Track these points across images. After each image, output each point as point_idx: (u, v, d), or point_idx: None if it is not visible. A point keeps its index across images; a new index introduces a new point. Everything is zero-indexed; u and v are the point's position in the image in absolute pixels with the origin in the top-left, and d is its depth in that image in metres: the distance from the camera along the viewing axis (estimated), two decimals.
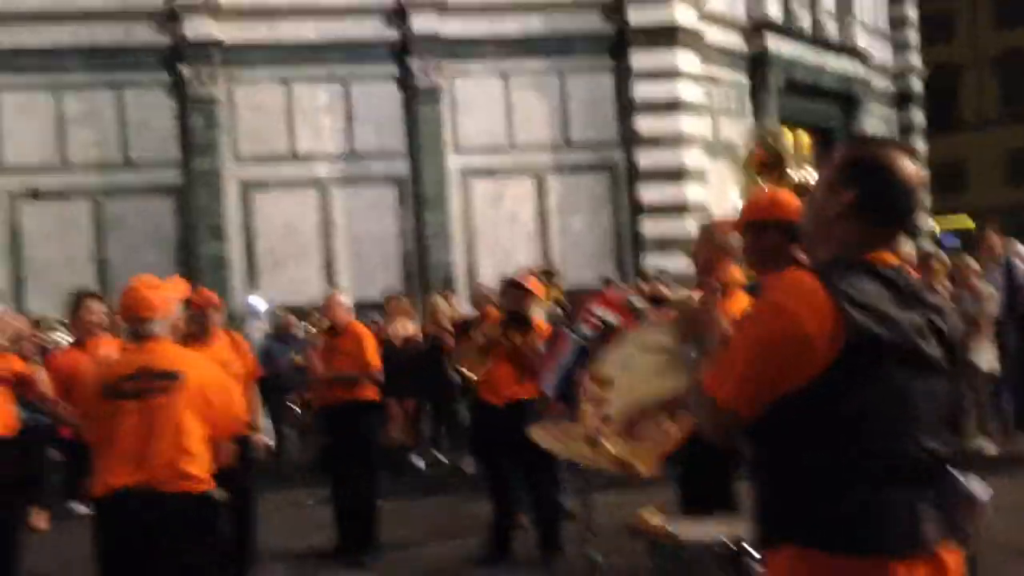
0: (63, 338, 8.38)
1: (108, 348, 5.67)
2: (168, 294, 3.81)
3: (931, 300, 2.01)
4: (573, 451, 3.65)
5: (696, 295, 4.37)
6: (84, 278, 13.33)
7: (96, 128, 13.72)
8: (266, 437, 10.26)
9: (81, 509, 7.79)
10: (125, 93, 13.78)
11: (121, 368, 3.70)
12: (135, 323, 3.74)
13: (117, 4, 13.57)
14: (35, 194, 13.53)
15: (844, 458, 1.87)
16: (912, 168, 2.02)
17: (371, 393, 6.71)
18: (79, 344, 5.83)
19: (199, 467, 3.54)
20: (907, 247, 9.44)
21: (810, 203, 2.11)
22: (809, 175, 4.83)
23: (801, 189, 4.86)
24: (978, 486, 2.30)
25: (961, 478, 2.23)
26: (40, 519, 7.53)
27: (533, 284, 6.36)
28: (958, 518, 2.00)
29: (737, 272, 4.49)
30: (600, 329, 3.91)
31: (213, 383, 3.74)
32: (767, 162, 4.69)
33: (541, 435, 3.82)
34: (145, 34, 13.72)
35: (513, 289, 6.32)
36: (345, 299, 6.84)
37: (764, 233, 3.58)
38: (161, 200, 13.85)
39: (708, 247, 4.39)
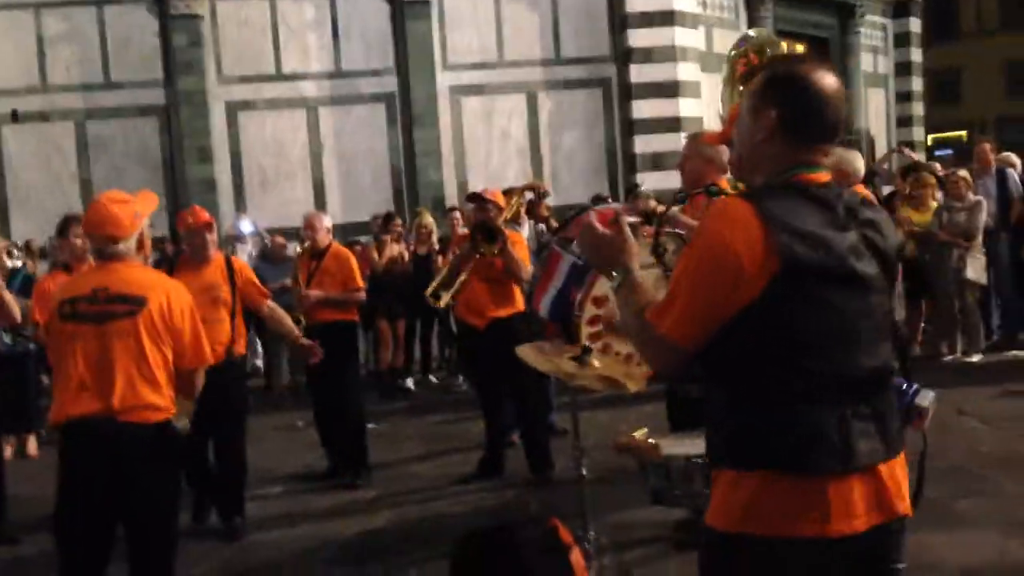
0: (18, 263, 8.25)
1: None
2: (137, 209, 3.53)
3: (867, 215, 2.03)
4: (560, 369, 3.62)
5: (686, 211, 4.31)
6: (68, 200, 13.19)
7: (77, 47, 13.42)
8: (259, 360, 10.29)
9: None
10: (106, 10, 13.46)
11: (80, 289, 3.48)
12: (100, 241, 3.51)
13: None
14: (15, 116, 13.29)
15: (780, 379, 1.90)
16: (830, 80, 2.03)
17: (352, 314, 6.65)
18: (66, 268, 5.76)
19: (160, 396, 3.38)
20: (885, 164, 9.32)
21: (738, 130, 2.11)
22: None
23: None
24: (924, 395, 2.35)
25: (906, 388, 2.33)
26: (30, 445, 7.56)
27: (494, 195, 6.30)
28: (899, 429, 2.03)
29: (725, 184, 4.41)
30: None
31: (178, 309, 3.49)
32: (753, 72, 4.54)
33: (528, 354, 3.79)
34: None
35: (475, 202, 6.28)
36: (326, 220, 6.73)
37: None
38: (145, 121, 13.63)
39: (695, 159, 4.31)
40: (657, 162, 14.03)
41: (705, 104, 14.83)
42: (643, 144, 14.27)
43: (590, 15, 14.43)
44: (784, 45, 5.19)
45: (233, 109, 13.76)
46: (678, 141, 13.84)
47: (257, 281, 5.70)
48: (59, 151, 13.45)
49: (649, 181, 14.04)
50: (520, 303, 6.19)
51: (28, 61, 13.34)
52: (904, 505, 1.98)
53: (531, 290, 5.27)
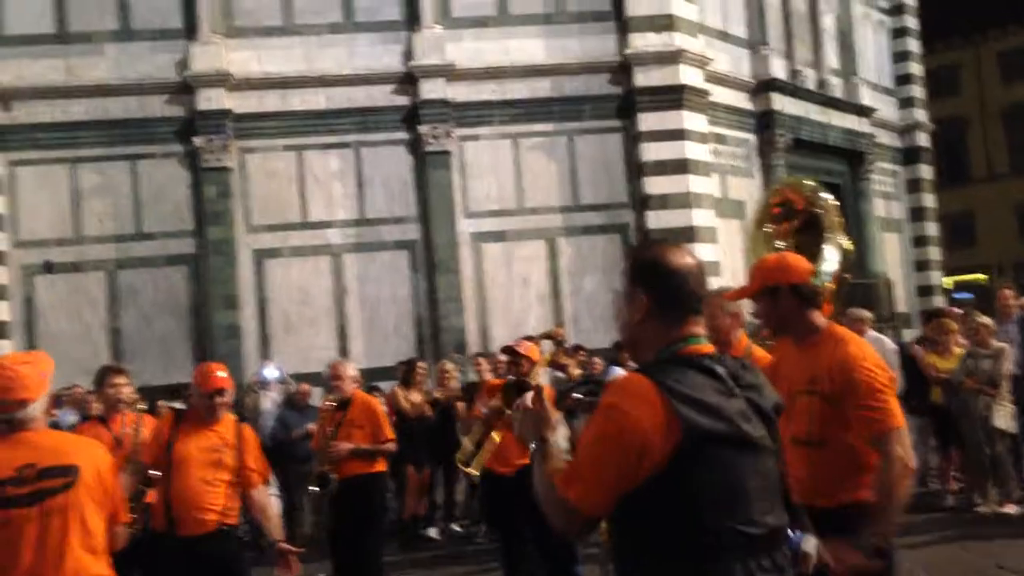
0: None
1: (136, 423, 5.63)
2: (42, 368, 3.27)
3: (749, 380, 2.22)
4: None
5: None
6: (97, 350, 13.42)
7: (111, 200, 13.89)
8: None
9: None
10: (139, 165, 13.98)
11: (2, 470, 3.08)
12: (9, 408, 3.14)
13: (132, 78, 13.83)
14: (49, 267, 13.65)
15: (683, 536, 2.05)
16: (688, 258, 2.29)
17: (381, 465, 6.61)
18: (102, 420, 5.79)
19: (104, 565, 3.20)
20: (864, 313, 9.32)
21: (619, 315, 2.34)
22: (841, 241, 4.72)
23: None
24: (806, 540, 2.55)
25: (794, 537, 2.49)
26: None
27: (527, 349, 6.25)
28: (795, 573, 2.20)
29: (744, 339, 4.48)
30: None
31: (106, 468, 3.28)
32: (789, 214, 4.68)
33: None
34: (159, 107, 13.95)
35: (509, 355, 6.29)
36: (352, 368, 6.72)
37: (778, 298, 3.57)
38: (175, 270, 13.95)
39: (722, 317, 4.37)
40: None
41: (722, 249, 15.09)
42: None
43: (607, 163, 14.86)
44: (812, 185, 5.31)
45: (260, 257, 14.09)
46: None
47: (262, 460, 5.18)
48: (90, 301, 13.74)
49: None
50: None
51: (62, 213, 13.80)
52: None
53: None
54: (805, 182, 5.55)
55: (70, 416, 9.19)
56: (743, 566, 2.04)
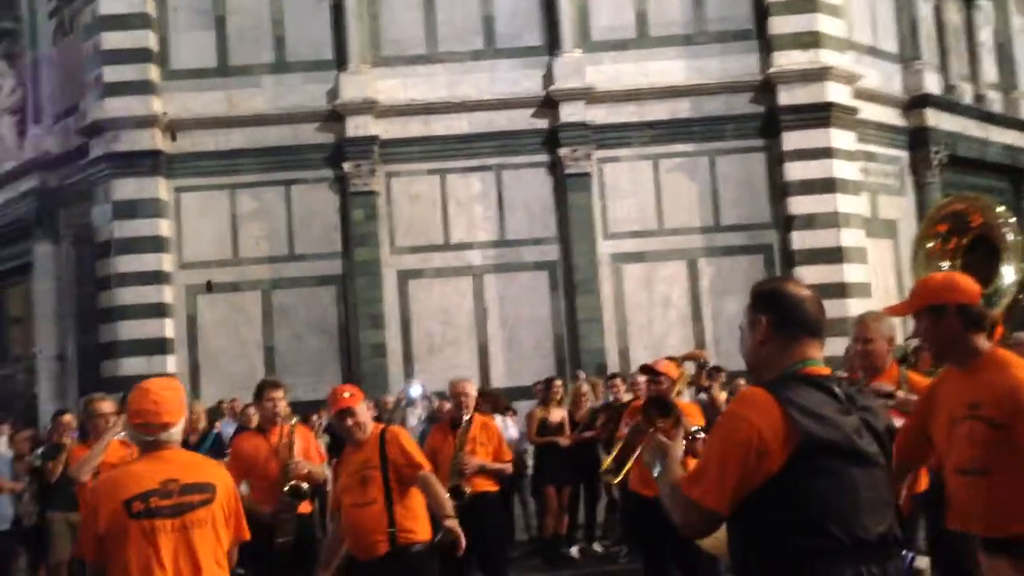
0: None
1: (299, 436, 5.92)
2: (181, 395, 3.51)
3: (864, 402, 2.40)
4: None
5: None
6: (253, 365, 14.06)
7: (266, 223, 14.56)
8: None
9: None
10: (292, 190, 14.61)
11: (146, 483, 3.29)
12: (154, 430, 3.35)
13: (286, 108, 14.49)
14: (209, 287, 14.41)
15: (796, 537, 2.22)
16: (803, 289, 2.55)
17: (498, 486, 6.57)
18: (261, 430, 6.07)
19: None
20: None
21: (743, 340, 2.61)
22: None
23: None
24: (920, 559, 2.93)
25: (908, 554, 2.81)
26: None
27: (665, 367, 6.15)
28: None
29: (896, 366, 4.34)
30: None
31: (233, 490, 3.53)
32: (959, 231, 4.46)
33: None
34: (311, 134, 14.56)
35: (647, 374, 6.21)
36: (472, 388, 6.74)
37: (942, 318, 3.43)
38: (324, 290, 14.49)
39: (880, 341, 4.25)
40: None
41: (872, 270, 14.58)
42: None
43: (749, 183, 14.60)
44: (988, 200, 5.04)
45: (404, 278, 14.47)
46: (844, 307, 13.58)
47: (413, 451, 4.92)
48: (247, 319, 14.42)
49: None
50: None
51: (222, 236, 14.55)
52: None
53: None
54: (982, 197, 5.29)
55: (229, 426, 9.67)
56: (853, 571, 2.19)
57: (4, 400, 16.06)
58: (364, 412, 4.90)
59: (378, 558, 4.60)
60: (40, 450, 8.74)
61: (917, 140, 15.95)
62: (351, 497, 4.76)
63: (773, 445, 2.22)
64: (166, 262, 14.37)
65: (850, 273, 14.17)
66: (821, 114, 14.23)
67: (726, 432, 2.33)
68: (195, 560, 3.26)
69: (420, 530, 4.75)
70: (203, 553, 3.28)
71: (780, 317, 2.47)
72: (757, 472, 2.24)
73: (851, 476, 2.26)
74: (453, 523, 4.69)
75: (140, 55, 14.48)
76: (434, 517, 4.82)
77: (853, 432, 2.29)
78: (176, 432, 3.40)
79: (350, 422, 4.80)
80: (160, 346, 14.03)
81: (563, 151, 14.35)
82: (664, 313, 14.34)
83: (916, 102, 16.01)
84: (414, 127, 14.55)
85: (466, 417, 6.34)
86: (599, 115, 14.48)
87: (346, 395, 4.85)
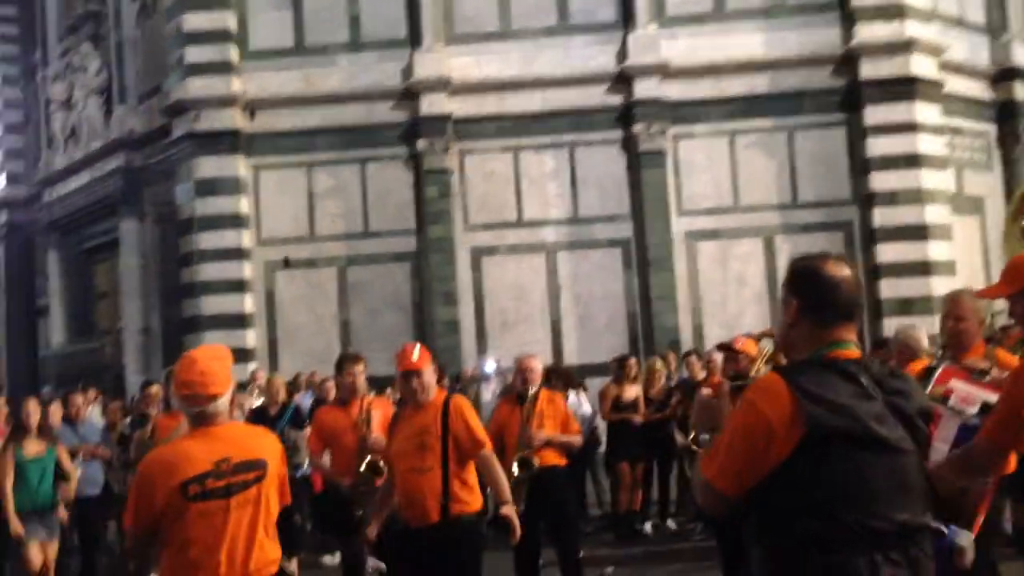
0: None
1: (377, 406, 6.03)
2: (229, 365, 3.41)
3: (896, 386, 2.35)
4: None
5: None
6: (329, 340, 14.32)
7: (342, 201, 14.76)
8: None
9: (325, 560, 8.25)
10: (367, 167, 14.77)
11: (201, 465, 3.24)
12: (201, 402, 3.28)
13: (361, 86, 14.62)
14: (287, 263, 14.68)
15: (813, 528, 2.22)
16: (843, 270, 2.41)
17: (563, 459, 6.50)
18: (342, 403, 6.18)
19: (276, 547, 3.39)
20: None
21: (777, 320, 2.63)
22: None
23: None
24: (962, 535, 2.74)
25: (949, 532, 2.67)
26: (293, 564, 7.96)
27: (744, 345, 6.05)
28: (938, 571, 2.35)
29: (983, 344, 4.24)
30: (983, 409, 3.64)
31: (281, 459, 3.48)
32: None
33: None
34: (385, 112, 14.68)
35: (725, 352, 6.13)
36: (538, 363, 6.73)
37: None
38: (399, 267, 14.65)
39: (972, 320, 4.14)
40: (904, 307, 13.43)
41: (957, 247, 14.19)
42: (889, 289, 13.74)
43: (828, 159, 14.30)
44: None
45: (477, 255, 14.55)
46: (927, 286, 13.26)
47: (476, 427, 4.78)
48: (323, 295, 14.67)
49: (895, 327, 13.43)
50: None
51: (299, 213, 14.80)
52: None
53: None
54: None
55: (307, 399, 9.87)
56: (868, 559, 2.18)
57: (94, 372, 16.64)
58: (430, 375, 4.80)
59: (429, 525, 4.55)
60: (128, 420, 9.06)
61: (1005, 114, 15.45)
62: (407, 462, 4.68)
63: (781, 432, 2.23)
64: (245, 239, 14.68)
65: (934, 251, 13.80)
66: (905, 87, 13.85)
67: (739, 418, 2.36)
68: (249, 533, 3.29)
69: (473, 501, 4.69)
70: (256, 526, 3.31)
71: (812, 302, 2.41)
72: (765, 457, 2.25)
73: (866, 463, 2.24)
74: (509, 510, 4.65)
75: (220, 36, 14.76)
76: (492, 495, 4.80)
77: (872, 418, 2.26)
78: (224, 403, 3.33)
79: (415, 383, 4.71)
80: (240, 321, 14.36)
81: (637, 128, 14.22)
82: (739, 291, 14.16)
83: (1004, 75, 15.49)
84: (488, 104, 14.57)
85: (532, 391, 6.33)
86: (674, 91, 14.31)
87: (414, 357, 4.75)
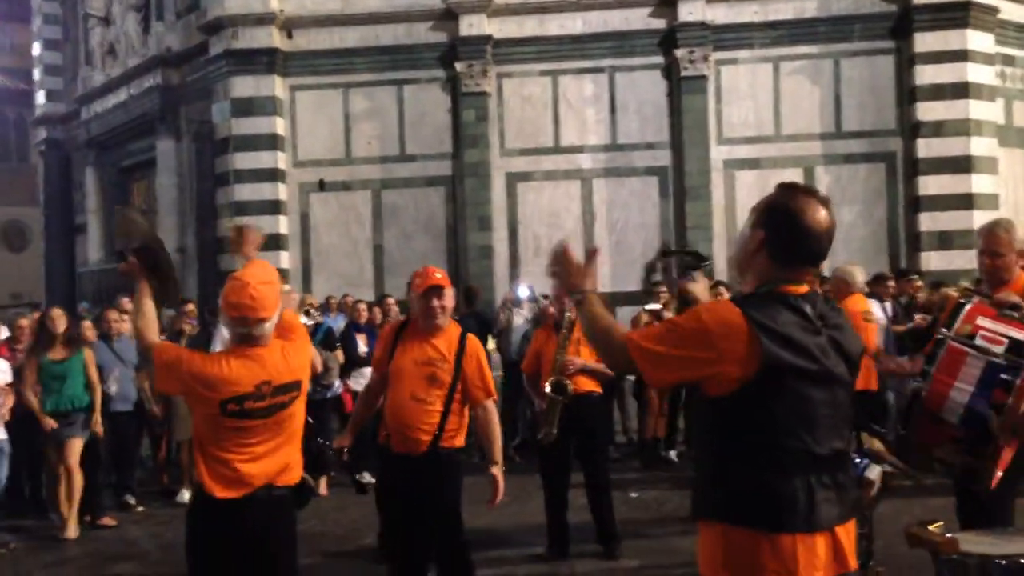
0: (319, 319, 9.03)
1: None
2: (279, 289, 3.50)
3: (834, 320, 2.40)
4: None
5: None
6: (362, 263, 14.38)
7: (378, 123, 14.67)
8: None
9: (366, 477, 8.37)
10: (404, 89, 14.63)
11: (242, 386, 3.35)
12: (249, 324, 3.36)
13: (400, 6, 14.42)
14: (322, 185, 14.68)
15: (757, 451, 2.30)
16: (819, 215, 2.35)
17: (598, 386, 6.47)
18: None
19: (298, 453, 3.57)
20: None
21: (739, 238, 2.50)
22: None
23: None
24: (872, 468, 2.92)
25: (860, 463, 2.90)
26: (322, 485, 8.13)
27: None
28: (855, 499, 2.48)
29: (1022, 276, 4.15)
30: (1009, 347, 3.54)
31: (310, 371, 3.73)
32: None
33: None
34: (424, 33, 14.48)
35: None
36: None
37: None
38: (433, 191, 14.60)
39: (1011, 255, 4.04)
40: (944, 240, 13.21)
41: (1003, 181, 13.85)
42: (930, 221, 13.49)
43: (875, 88, 13.95)
44: None
45: (513, 180, 14.45)
46: (969, 219, 12.98)
47: (488, 375, 4.64)
48: (357, 218, 14.69)
49: (934, 261, 13.24)
50: None
51: (335, 135, 14.74)
52: (854, 561, 2.38)
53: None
54: None
55: (340, 320, 9.94)
56: (804, 481, 2.29)
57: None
58: (451, 298, 4.60)
59: (416, 455, 4.41)
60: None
61: None
62: (409, 387, 4.46)
63: (728, 355, 2.26)
64: (281, 160, 14.68)
65: (978, 184, 13.48)
66: (958, 13, 13.41)
67: (686, 323, 2.35)
68: (279, 444, 3.46)
69: (460, 437, 4.57)
70: (286, 438, 3.50)
71: (780, 243, 2.37)
72: (700, 371, 2.30)
73: (812, 395, 2.31)
74: (498, 471, 4.53)
75: None
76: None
77: (819, 352, 2.32)
78: (270, 326, 3.40)
79: (436, 302, 4.48)
80: (275, 242, 14.43)
81: (679, 52, 13.93)
82: None
83: None
84: (528, 27, 14.32)
85: (568, 318, 6.31)
86: (719, 15, 13.96)
87: (438, 275, 4.57)
